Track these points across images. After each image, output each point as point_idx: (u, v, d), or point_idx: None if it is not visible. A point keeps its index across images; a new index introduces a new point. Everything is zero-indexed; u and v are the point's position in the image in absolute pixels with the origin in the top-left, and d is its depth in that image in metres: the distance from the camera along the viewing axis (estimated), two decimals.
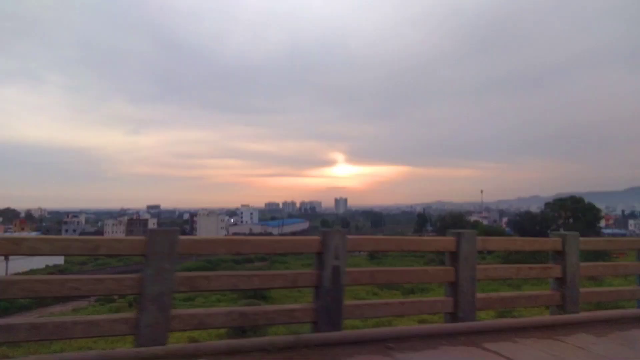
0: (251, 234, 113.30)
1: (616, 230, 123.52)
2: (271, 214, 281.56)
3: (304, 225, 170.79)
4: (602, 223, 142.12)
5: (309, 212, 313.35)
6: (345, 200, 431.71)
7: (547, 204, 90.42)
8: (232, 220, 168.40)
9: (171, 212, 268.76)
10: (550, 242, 6.16)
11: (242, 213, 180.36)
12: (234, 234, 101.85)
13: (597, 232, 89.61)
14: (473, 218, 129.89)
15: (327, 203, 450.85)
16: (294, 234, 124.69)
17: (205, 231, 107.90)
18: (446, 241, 5.42)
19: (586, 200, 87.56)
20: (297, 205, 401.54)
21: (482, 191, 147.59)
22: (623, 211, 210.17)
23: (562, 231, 7.31)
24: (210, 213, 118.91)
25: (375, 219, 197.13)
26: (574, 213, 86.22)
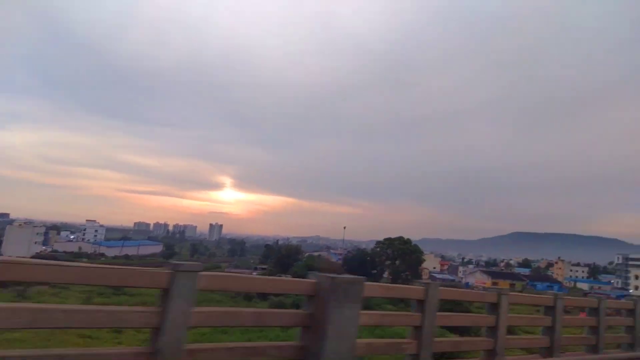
0: (73, 253, 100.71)
1: (447, 276, 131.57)
2: (136, 234, 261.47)
3: (157, 248, 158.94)
4: (437, 268, 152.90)
5: (177, 237, 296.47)
6: (221, 226, 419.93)
7: (377, 242, 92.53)
8: (72, 236, 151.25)
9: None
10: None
11: (85, 229, 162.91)
12: (39, 253, 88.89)
13: (419, 274, 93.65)
14: (325, 254, 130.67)
15: (204, 228, 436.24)
16: (128, 257, 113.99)
17: (13, 246, 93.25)
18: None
19: (413, 242, 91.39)
20: (170, 227, 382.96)
21: (344, 227, 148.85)
22: (476, 261, 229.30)
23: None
24: (26, 224, 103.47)
25: (235, 249, 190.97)
26: (400, 253, 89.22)
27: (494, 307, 7.17)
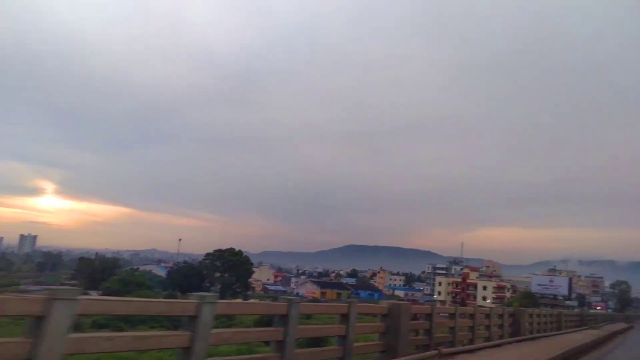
0: None
1: (280, 287, 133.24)
2: None
3: None
4: (271, 279, 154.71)
5: None
6: (35, 237, 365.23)
7: (207, 254, 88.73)
8: None
9: None
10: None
11: None
12: None
13: (249, 286, 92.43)
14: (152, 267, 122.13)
15: (13, 239, 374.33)
16: None
17: None
18: None
19: (243, 253, 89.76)
20: None
21: (180, 240, 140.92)
22: (311, 272, 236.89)
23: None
24: None
25: (47, 263, 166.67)
26: (230, 265, 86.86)
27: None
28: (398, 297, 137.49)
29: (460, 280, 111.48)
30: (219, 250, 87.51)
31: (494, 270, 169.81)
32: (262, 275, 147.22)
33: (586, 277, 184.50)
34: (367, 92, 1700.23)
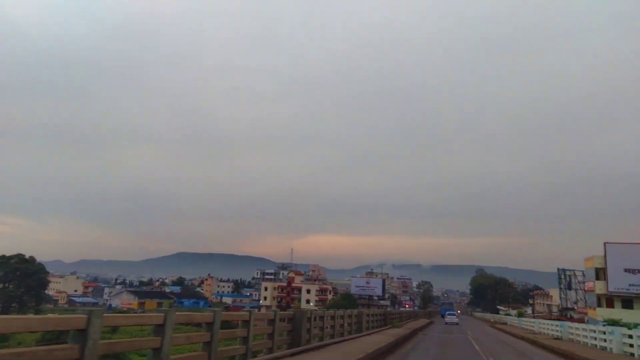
0: None
1: (90, 299, 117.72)
2: None
3: None
4: (80, 290, 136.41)
5: None
6: None
7: None
8: None
9: None
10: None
11: None
12: None
13: (43, 298, 78.46)
14: None
15: None
16: None
17: None
18: None
19: (36, 261, 75.64)
20: None
21: None
22: (132, 281, 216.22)
23: None
24: None
25: None
26: (18, 275, 72.48)
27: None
28: (225, 304, 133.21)
29: (285, 284, 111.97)
30: (3, 257, 72.23)
31: (319, 274, 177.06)
32: (67, 286, 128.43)
33: (397, 278, 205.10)
34: (205, 98, 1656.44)
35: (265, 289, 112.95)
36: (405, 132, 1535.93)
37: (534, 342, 28.27)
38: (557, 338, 29.83)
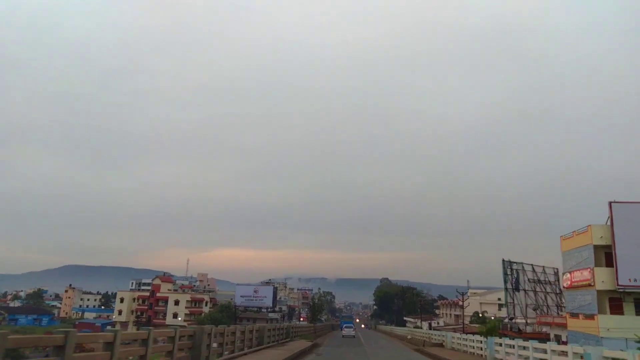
0: None
1: None
2: None
3: None
4: None
5: None
6: None
7: None
8: None
9: None
10: None
11: None
12: None
13: None
14: None
15: None
16: None
17: None
18: None
19: None
20: None
21: None
22: None
23: None
24: None
25: None
26: None
27: None
28: (87, 320, 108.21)
29: (148, 294, 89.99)
30: None
31: (208, 285, 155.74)
32: None
33: (298, 289, 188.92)
34: (107, 99, 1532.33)
35: (121, 300, 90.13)
36: (308, 145, 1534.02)
37: None
38: None
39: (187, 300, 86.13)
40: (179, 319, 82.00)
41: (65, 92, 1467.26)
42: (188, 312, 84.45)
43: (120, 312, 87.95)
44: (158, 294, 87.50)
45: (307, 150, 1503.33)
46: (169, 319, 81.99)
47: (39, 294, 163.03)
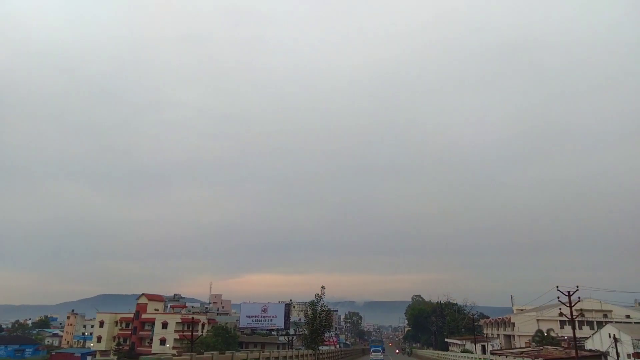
0: None
1: None
2: None
3: None
4: None
5: None
6: None
7: None
8: None
9: None
10: None
11: None
12: None
13: None
14: None
15: None
16: None
17: None
18: None
19: None
20: None
21: None
22: None
23: None
24: None
25: None
26: None
27: None
28: (65, 350, 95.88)
29: (132, 316, 76.67)
30: None
31: (222, 307, 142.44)
32: None
33: None
34: (135, 132, 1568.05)
35: (101, 324, 77.15)
36: (333, 170, 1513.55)
37: None
38: None
39: (177, 322, 72.29)
40: (167, 345, 68.39)
41: (96, 125, 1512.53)
42: (180, 337, 70.81)
43: (99, 339, 74.93)
44: (144, 315, 74.20)
45: (330, 174, 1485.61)
46: (155, 347, 68.39)
47: (45, 322, 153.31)
